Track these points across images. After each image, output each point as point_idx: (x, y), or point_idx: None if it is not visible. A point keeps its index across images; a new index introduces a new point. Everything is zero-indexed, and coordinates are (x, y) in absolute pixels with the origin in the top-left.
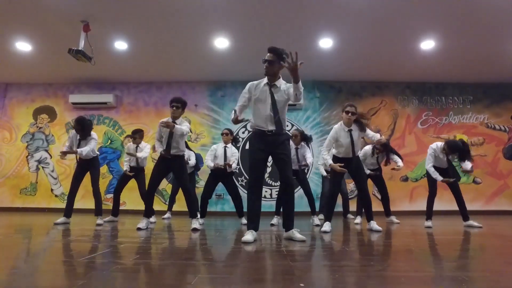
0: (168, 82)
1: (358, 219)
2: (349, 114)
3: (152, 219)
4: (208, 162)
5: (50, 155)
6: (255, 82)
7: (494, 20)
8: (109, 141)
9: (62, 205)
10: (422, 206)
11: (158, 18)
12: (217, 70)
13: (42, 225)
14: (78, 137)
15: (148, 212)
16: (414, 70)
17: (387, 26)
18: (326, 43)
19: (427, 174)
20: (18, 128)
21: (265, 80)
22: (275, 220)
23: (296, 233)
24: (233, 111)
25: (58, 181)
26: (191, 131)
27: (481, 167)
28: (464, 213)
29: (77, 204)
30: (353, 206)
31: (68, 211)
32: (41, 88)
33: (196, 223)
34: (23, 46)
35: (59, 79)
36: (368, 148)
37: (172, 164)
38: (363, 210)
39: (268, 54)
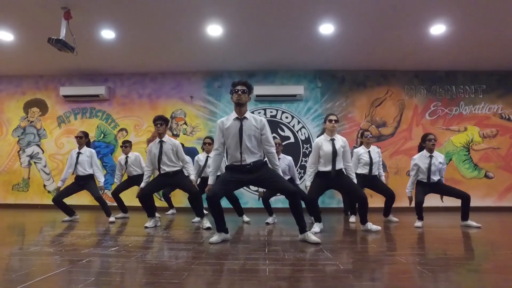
0: (162, 73)
1: (353, 218)
2: (333, 122)
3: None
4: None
5: (42, 149)
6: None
7: (511, 3)
8: (102, 135)
9: None
10: (428, 202)
11: (146, 3)
12: (213, 60)
13: (22, 224)
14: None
15: (150, 212)
16: (423, 57)
17: (393, 9)
18: (327, 28)
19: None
20: (9, 122)
21: (234, 114)
22: (270, 219)
23: (311, 236)
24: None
25: (51, 176)
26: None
27: (494, 161)
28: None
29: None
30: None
31: (67, 211)
32: (32, 81)
33: (207, 222)
34: (4, 35)
35: (50, 71)
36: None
37: (173, 179)
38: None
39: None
